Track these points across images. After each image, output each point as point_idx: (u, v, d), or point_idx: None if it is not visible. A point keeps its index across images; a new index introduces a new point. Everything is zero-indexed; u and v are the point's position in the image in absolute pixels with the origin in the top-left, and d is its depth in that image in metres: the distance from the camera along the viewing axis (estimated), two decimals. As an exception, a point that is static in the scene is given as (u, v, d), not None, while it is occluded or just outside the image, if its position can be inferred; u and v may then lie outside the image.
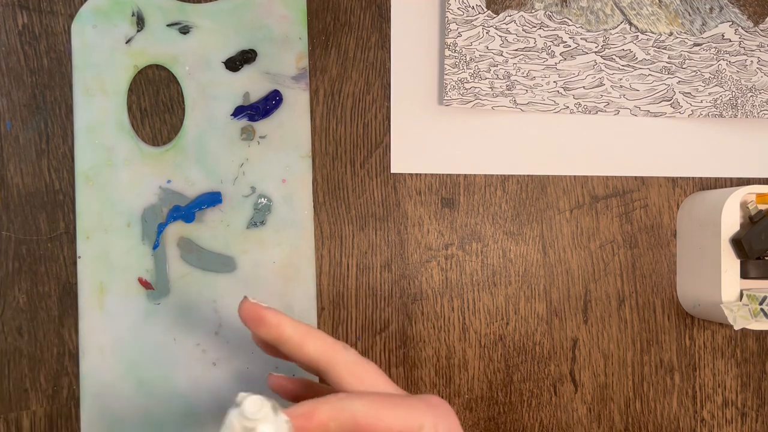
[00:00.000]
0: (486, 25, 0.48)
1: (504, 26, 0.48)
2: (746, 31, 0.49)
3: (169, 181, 0.47)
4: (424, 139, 0.49)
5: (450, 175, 0.50)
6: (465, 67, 0.48)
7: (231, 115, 0.48)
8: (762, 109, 0.50)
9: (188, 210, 0.47)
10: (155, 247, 0.47)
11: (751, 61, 0.49)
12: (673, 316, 0.50)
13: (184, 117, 0.48)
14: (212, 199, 0.47)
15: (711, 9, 0.49)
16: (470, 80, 0.48)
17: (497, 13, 0.48)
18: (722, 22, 0.49)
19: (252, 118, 0.48)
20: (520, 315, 0.50)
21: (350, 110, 0.49)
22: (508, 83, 0.49)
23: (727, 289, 0.45)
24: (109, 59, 0.47)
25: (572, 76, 0.49)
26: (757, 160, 0.51)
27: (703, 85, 0.49)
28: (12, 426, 0.47)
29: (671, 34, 0.49)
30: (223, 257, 0.48)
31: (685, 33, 0.49)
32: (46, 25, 0.48)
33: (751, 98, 0.50)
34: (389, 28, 0.49)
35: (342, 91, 0.49)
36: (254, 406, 0.31)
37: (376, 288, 0.49)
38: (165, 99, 0.48)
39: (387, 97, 0.49)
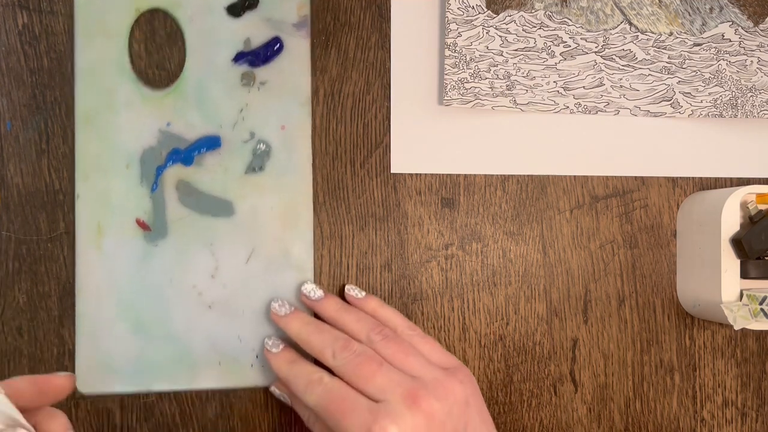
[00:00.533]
0: (486, 25, 0.48)
1: (504, 26, 0.48)
2: (746, 31, 0.49)
3: (168, 124, 0.47)
4: (424, 139, 0.49)
5: (450, 175, 0.50)
6: (465, 67, 0.48)
7: (232, 60, 0.48)
8: (762, 109, 0.50)
9: (187, 153, 0.47)
10: (153, 189, 0.47)
11: (751, 61, 0.49)
12: (673, 316, 0.50)
13: (185, 61, 0.48)
14: (211, 142, 0.48)
15: (711, 9, 0.49)
16: (470, 80, 0.48)
17: (497, 13, 0.48)
18: (722, 22, 0.49)
19: (253, 64, 0.48)
20: (520, 315, 0.50)
21: (350, 110, 0.49)
22: (508, 83, 0.49)
23: (727, 289, 0.45)
24: (111, 1, 0.47)
25: (572, 76, 0.49)
26: (757, 160, 0.51)
27: (703, 85, 0.50)
28: (12, 426, 0.47)
29: (671, 34, 0.49)
30: (221, 201, 0.48)
31: (685, 33, 0.49)
32: (46, 25, 0.48)
33: (751, 98, 0.50)
34: (389, 28, 0.49)
35: (342, 91, 0.49)
36: None
37: (376, 288, 0.49)
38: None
39: (387, 97, 0.49)
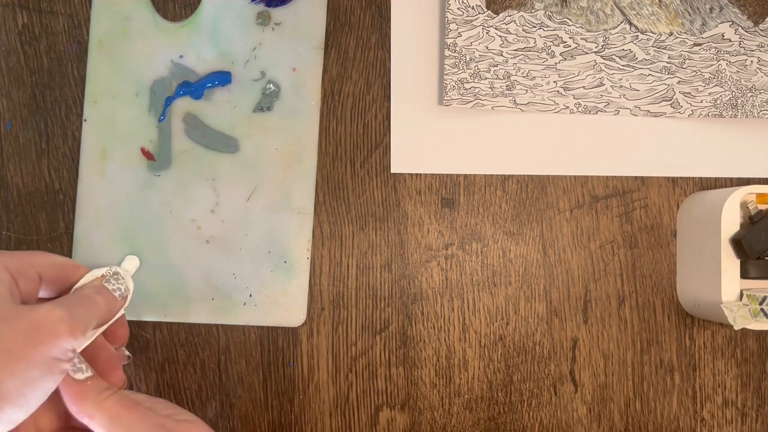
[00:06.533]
0: (486, 25, 0.48)
1: (504, 26, 0.48)
2: (746, 31, 0.49)
3: (181, 56, 0.48)
4: (424, 139, 0.49)
5: (450, 175, 0.50)
6: (465, 67, 0.48)
7: None
8: (762, 109, 0.50)
9: (197, 86, 0.48)
10: (161, 119, 0.48)
11: (751, 61, 0.49)
12: (673, 316, 0.50)
13: None
14: (222, 78, 0.48)
15: (711, 9, 0.49)
16: (470, 80, 0.48)
17: (497, 13, 0.48)
18: (722, 22, 0.49)
19: (269, 4, 0.48)
20: (520, 315, 0.50)
21: (350, 110, 0.49)
22: (508, 83, 0.49)
23: (727, 289, 0.45)
24: None
25: (572, 76, 0.49)
26: (757, 160, 0.51)
27: (703, 85, 0.50)
28: (12, 426, 0.47)
29: (671, 34, 0.49)
30: (227, 137, 0.48)
31: (685, 33, 0.49)
32: (46, 25, 0.48)
33: (751, 98, 0.50)
34: (389, 28, 0.49)
35: (342, 91, 0.49)
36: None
37: (376, 288, 0.49)
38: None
39: (387, 97, 0.49)
